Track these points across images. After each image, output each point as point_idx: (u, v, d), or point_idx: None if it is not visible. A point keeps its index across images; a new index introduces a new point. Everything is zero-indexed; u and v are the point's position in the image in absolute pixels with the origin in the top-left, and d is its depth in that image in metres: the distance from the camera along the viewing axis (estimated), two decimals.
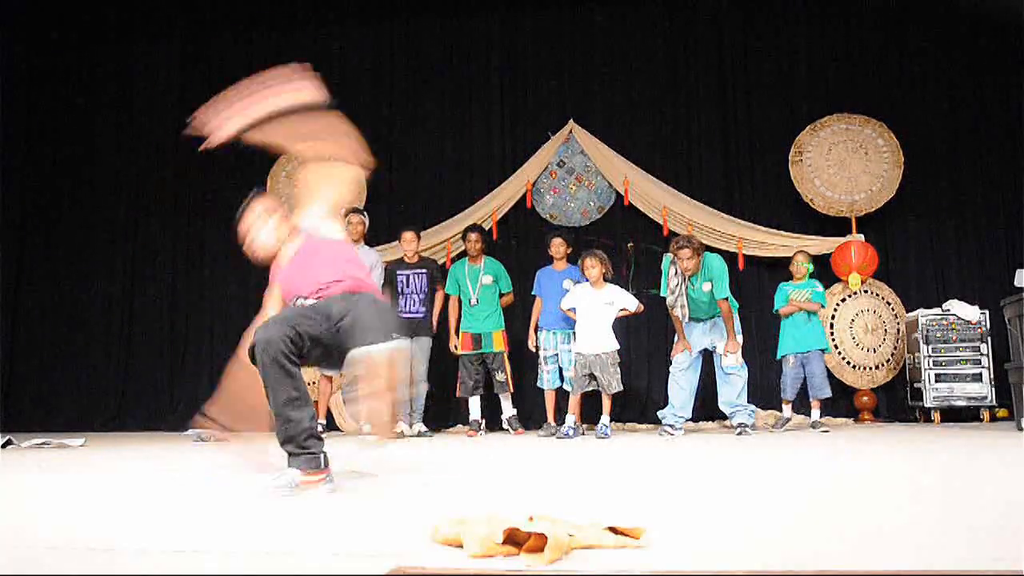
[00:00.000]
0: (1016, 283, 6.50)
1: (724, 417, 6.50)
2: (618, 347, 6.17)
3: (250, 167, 8.05)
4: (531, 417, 7.28)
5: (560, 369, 6.59)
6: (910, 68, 7.76)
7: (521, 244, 7.87)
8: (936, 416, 6.78)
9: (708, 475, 3.32)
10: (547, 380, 6.60)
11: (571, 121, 7.89)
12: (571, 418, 6.15)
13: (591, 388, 6.16)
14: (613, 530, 1.67)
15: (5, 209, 8.49)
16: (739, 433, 5.96)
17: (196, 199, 8.46)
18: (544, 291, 6.73)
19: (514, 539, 1.61)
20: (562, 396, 6.60)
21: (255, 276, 8.20)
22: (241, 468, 3.88)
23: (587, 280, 6.22)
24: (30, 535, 2.05)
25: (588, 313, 6.14)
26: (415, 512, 2.30)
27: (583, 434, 6.25)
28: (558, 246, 6.77)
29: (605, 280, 6.19)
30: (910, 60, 7.77)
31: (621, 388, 6.13)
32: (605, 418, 6.12)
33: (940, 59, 7.73)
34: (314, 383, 7.85)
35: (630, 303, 6.19)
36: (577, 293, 6.26)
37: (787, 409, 6.57)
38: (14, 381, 8.38)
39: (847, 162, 7.43)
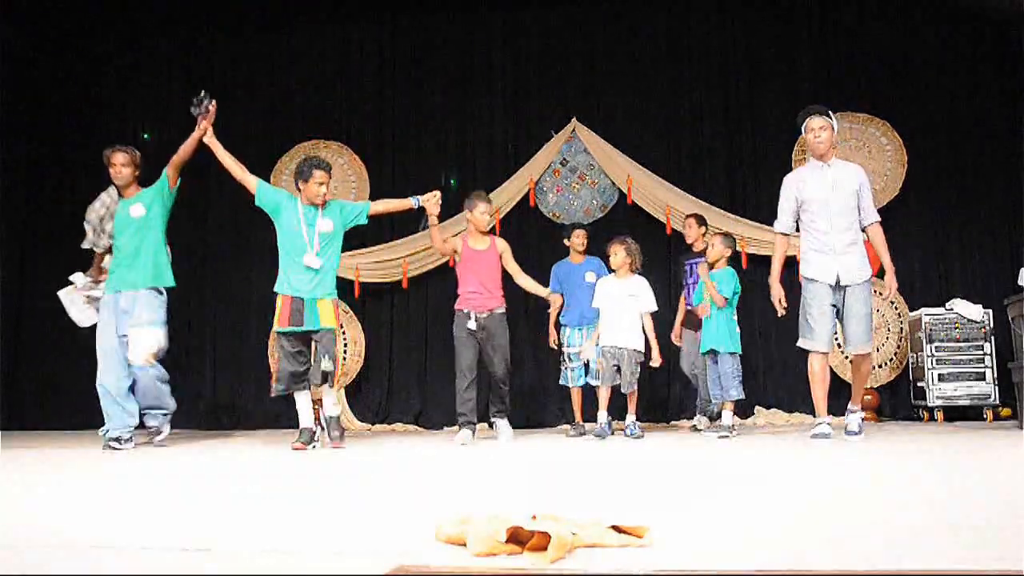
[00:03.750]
0: (1020, 282, 6.49)
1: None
2: (642, 348, 5.98)
3: (249, 166, 8.05)
4: (531, 415, 7.26)
5: (586, 365, 6.30)
6: (913, 67, 7.75)
7: (523, 242, 7.89)
8: (939, 415, 6.77)
9: (710, 475, 3.32)
10: (571, 377, 6.36)
11: (574, 120, 7.89)
12: (603, 415, 5.91)
13: (618, 382, 5.93)
14: (617, 529, 1.67)
15: (8, 208, 8.50)
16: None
17: (196, 199, 8.47)
18: (566, 286, 6.40)
19: (517, 538, 1.61)
20: (586, 394, 6.35)
21: (256, 274, 8.24)
22: (242, 467, 3.89)
23: (609, 270, 6.09)
24: (30, 535, 2.05)
25: (614, 304, 5.96)
26: (418, 511, 2.30)
27: (614, 432, 6.11)
28: (581, 237, 6.49)
29: (631, 271, 6.04)
30: (913, 59, 7.75)
31: (633, 389, 5.94)
32: (632, 416, 5.95)
33: (943, 58, 7.72)
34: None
35: (650, 303, 6.00)
36: (603, 286, 6.09)
37: (727, 415, 5.89)
38: (15, 381, 8.40)
39: (850, 160, 7.41)
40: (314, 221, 5.34)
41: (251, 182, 5.47)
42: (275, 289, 5.37)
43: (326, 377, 5.23)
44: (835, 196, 5.11)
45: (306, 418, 5.31)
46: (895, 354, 7.30)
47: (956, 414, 6.83)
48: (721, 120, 7.85)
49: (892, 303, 7.36)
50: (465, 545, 1.63)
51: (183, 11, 8.45)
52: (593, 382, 6.23)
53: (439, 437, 6.50)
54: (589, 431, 6.07)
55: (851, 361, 5.17)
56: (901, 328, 7.28)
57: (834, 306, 5.12)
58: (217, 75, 8.44)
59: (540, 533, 1.58)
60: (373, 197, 8.16)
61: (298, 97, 8.38)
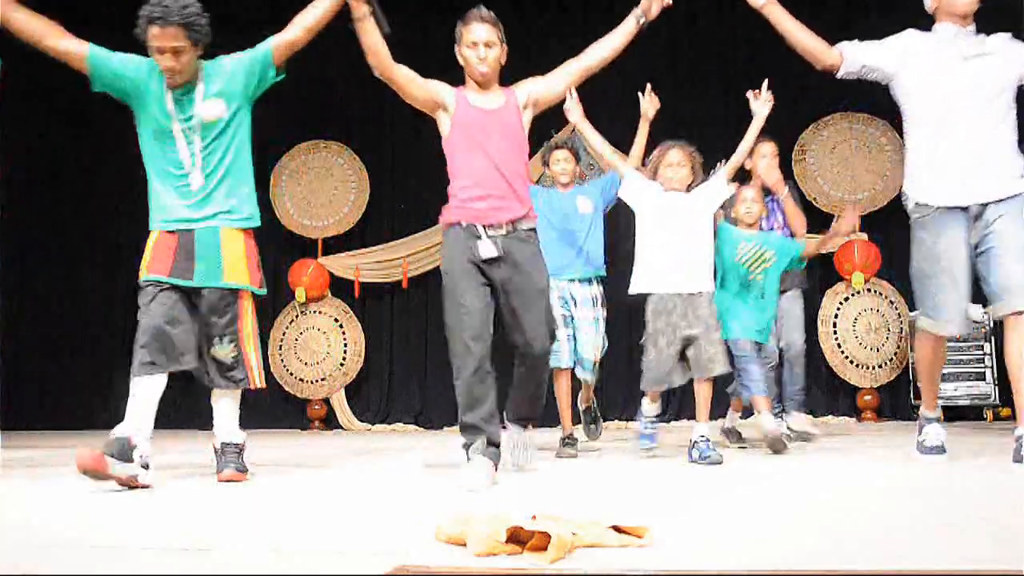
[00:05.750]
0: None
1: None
2: (713, 290, 3.91)
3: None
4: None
5: (574, 340, 4.28)
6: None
7: None
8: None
9: (710, 475, 3.31)
10: (563, 354, 4.22)
11: None
12: (703, 428, 3.73)
13: (683, 375, 3.81)
14: (617, 529, 1.67)
15: (8, 207, 8.50)
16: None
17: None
18: (546, 220, 4.20)
19: (517, 538, 1.62)
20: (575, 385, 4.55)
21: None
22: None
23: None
24: (30, 535, 2.05)
25: (676, 228, 3.84)
26: (418, 511, 2.31)
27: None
28: (565, 163, 4.53)
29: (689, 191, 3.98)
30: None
31: (728, 368, 3.88)
32: (703, 427, 3.73)
33: None
34: (324, 379, 7.87)
35: (722, 186, 4.12)
36: (648, 193, 3.94)
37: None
38: (15, 381, 8.39)
39: (850, 160, 7.43)
40: (188, 107, 3.23)
41: (75, 50, 3.50)
42: (150, 227, 3.31)
43: (227, 373, 3.20)
44: (980, 73, 3.30)
45: (132, 418, 3.05)
46: (895, 354, 7.30)
47: (956, 414, 6.83)
48: (721, 120, 7.84)
49: (891, 302, 7.35)
50: (465, 545, 1.64)
51: None
52: (584, 376, 4.34)
53: (439, 437, 6.50)
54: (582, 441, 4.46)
55: (1005, 330, 3.42)
56: (901, 328, 7.28)
57: (972, 246, 3.26)
58: None
59: (540, 533, 1.58)
60: (374, 197, 8.13)
61: (298, 97, 8.37)
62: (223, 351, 3.16)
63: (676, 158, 3.97)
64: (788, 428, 4.59)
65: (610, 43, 3.62)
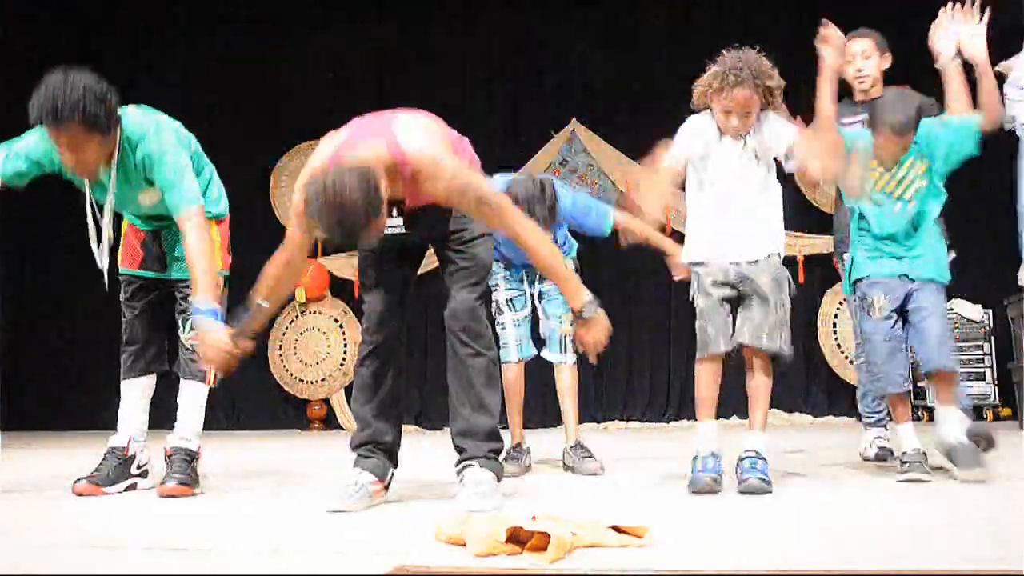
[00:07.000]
0: (1020, 282, 6.49)
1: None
2: (782, 252, 2.95)
3: (250, 165, 8.05)
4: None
5: (527, 326, 3.54)
6: (911, 65, 7.74)
7: None
8: None
9: None
10: (513, 347, 3.47)
11: (574, 120, 7.89)
12: (709, 433, 2.83)
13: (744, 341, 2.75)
14: (616, 529, 1.68)
15: (9, 205, 8.50)
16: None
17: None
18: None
19: (517, 538, 1.62)
20: (537, 388, 4.08)
21: (254, 268, 8.23)
22: (242, 467, 3.89)
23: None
24: (30, 535, 2.05)
25: (725, 177, 2.95)
26: (418, 511, 2.31)
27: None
28: None
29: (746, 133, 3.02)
30: (911, 57, 7.75)
31: (790, 351, 2.79)
32: (757, 436, 2.74)
33: None
34: (324, 380, 7.87)
35: (788, 132, 3.10)
36: (701, 142, 3.07)
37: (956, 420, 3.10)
38: (16, 381, 8.40)
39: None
40: (104, 190, 3.07)
41: None
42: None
43: (189, 359, 2.96)
44: None
45: (125, 424, 2.98)
46: None
47: None
48: None
49: None
50: (465, 545, 1.64)
51: (183, 11, 8.46)
52: (553, 357, 3.49)
53: (439, 437, 6.50)
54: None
55: None
56: None
57: None
58: (217, 75, 8.45)
59: (540, 533, 1.58)
60: None
61: (298, 97, 8.38)
62: (185, 336, 2.97)
63: (740, 99, 2.98)
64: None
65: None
